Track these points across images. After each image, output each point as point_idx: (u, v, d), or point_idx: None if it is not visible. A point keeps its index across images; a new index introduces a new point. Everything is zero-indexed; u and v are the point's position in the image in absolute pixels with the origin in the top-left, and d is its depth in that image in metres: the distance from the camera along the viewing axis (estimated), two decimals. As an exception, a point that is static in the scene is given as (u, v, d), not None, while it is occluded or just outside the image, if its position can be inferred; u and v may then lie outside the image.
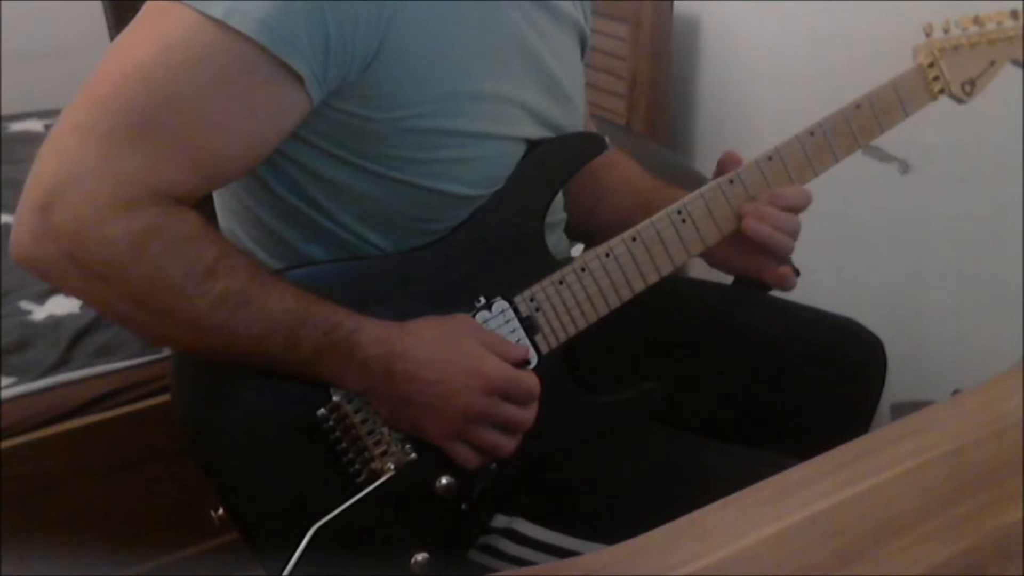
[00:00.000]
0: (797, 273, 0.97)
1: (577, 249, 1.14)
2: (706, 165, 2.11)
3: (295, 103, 0.75)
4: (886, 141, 1.62)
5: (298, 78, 0.73)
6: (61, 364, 1.41)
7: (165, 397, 0.89)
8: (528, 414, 0.84)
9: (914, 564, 0.60)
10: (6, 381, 1.37)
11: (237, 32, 0.70)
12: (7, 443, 1.29)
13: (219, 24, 0.70)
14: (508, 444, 0.84)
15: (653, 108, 2.01)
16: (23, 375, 1.39)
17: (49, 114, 2.37)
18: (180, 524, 1.08)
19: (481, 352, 0.82)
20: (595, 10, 1.05)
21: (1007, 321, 1.46)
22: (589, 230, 1.07)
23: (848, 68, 1.75)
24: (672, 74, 2.01)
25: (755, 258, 0.95)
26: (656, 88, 1.99)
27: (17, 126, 2.33)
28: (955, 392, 1.00)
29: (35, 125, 2.34)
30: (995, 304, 1.53)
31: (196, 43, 0.71)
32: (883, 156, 1.65)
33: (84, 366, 1.41)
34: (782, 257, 0.95)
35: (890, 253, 1.69)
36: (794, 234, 0.93)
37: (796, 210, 0.93)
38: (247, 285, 0.75)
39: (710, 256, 0.98)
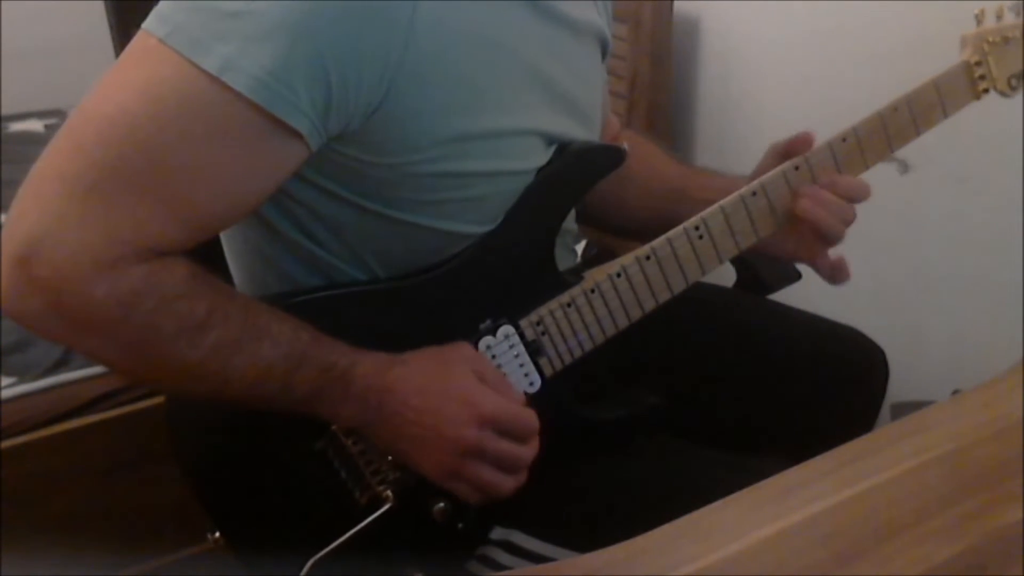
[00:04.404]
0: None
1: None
2: (706, 165, 2.11)
3: (292, 155, 0.72)
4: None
5: (297, 133, 0.70)
6: (61, 364, 1.41)
7: (164, 397, 0.90)
8: (526, 451, 0.80)
9: (914, 564, 0.60)
10: (6, 381, 1.37)
11: (232, 89, 0.67)
12: (7, 443, 1.29)
13: (213, 78, 0.66)
14: (506, 483, 0.79)
15: (653, 108, 2.01)
16: (23, 375, 1.39)
17: (49, 114, 2.37)
18: (180, 524, 1.08)
19: (474, 383, 0.78)
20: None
21: (1007, 321, 1.46)
22: (616, 223, 1.05)
23: (848, 67, 1.75)
24: (672, 74, 2.01)
25: (805, 243, 0.94)
26: (656, 88, 1.99)
27: (17, 126, 2.33)
28: (955, 392, 1.00)
29: (35, 125, 2.34)
30: (995, 304, 1.53)
31: (188, 95, 0.67)
32: (883, 156, 1.65)
33: (84, 366, 1.40)
34: (829, 243, 0.93)
35: (890, 253, 1.69)
36: (847, 223, 0.91)
37: (853, 200, 0.91)
38: (240, 334, 0.72)
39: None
